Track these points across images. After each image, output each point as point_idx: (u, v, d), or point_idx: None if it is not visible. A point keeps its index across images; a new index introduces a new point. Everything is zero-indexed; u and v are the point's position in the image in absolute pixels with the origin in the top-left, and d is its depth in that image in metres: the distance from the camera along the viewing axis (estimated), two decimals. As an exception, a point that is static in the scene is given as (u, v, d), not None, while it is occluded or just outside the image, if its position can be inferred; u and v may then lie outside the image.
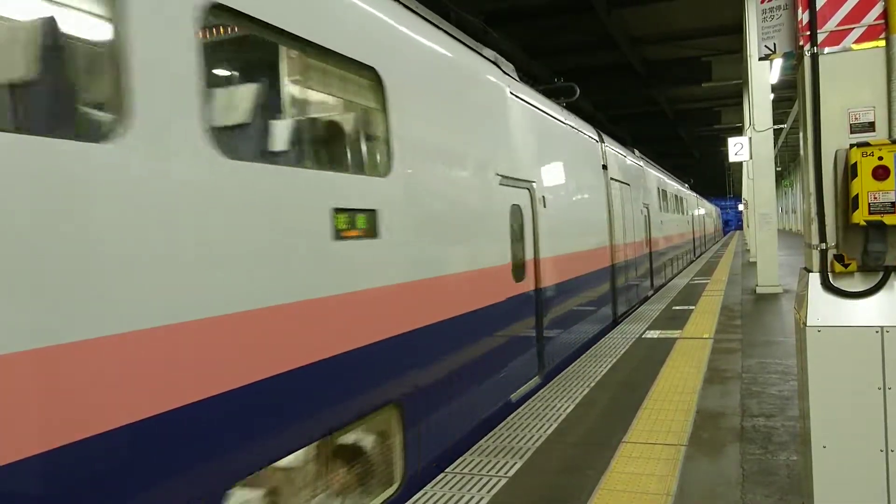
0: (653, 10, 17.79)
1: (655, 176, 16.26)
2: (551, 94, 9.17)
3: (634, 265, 11.94)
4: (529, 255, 6.24)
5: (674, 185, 21.13)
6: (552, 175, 7.25)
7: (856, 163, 2.75)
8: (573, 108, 9.97)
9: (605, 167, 10.00)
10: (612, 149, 10.99)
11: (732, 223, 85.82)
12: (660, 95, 27.61)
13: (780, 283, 13.46)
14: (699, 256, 27.32)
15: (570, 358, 7.53)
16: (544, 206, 6.66)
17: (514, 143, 6.07)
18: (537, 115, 7.04)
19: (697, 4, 17.69)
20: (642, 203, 13.21)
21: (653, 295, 13.77)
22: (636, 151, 14.50)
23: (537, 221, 6.41)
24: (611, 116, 31.43)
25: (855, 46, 2.88)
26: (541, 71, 20.35)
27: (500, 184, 5.52)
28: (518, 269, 5.90)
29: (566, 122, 8.29)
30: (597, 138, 9.94)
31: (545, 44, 19.42)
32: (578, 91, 9.89)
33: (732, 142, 16.32)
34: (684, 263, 22.07)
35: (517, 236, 5.94)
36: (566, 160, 7.96)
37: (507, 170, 5.73)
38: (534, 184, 6.44)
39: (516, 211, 5.93)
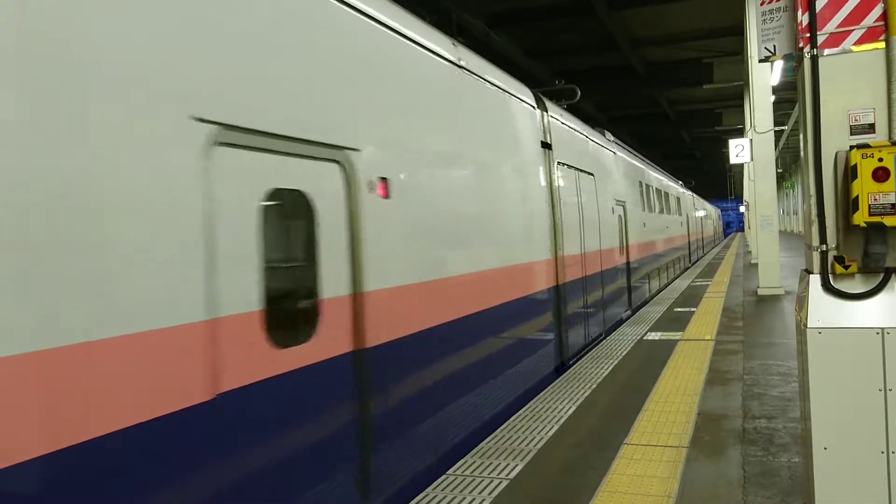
0: (653, 11, 17.82)
1: (636, 166, 13.27)
2: (553, 95, 9.10)
3: (601, 282, 9.10)
4: (338, 288, 3.48)
5: (663, 180, 18.26)
6: (415, 141, 4.51)
7: (856, 164, 2.75)
8: (574, 110, 9.86)
9: (547, 146, 7.26)
10: (563, 123, 8.10)
11: (734, 224, 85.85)
12: (661, 97, 27.66)
13: (782, 284, 13.46)
14: (695, 262, 25.45)
15: (447, 458, 4.49)
16: (387, 197, 3.95)
17: (286, 69, 3.26)
18: (370, 30, 4.07)
19: (698, 6, 17.71)
20: (614, 199, 10.47)
21: (630, 317, 11.02)
22: (608, 134, 11.67)
23: (360, 223, 3.66)
24: (612, 118, 31.51)
25: (855, 48, 2.89)
26: (542, 72, 20.40)
27: (221, 143, 2.75)
28: (290, 322, 3.24)
29: (459, 63, 5.28)
30: (533, 104, 7.13)
31: (546, 45, 19.47)
32: (580, 93, 9.88)
33: (733, 144, 16.32)
34: (677, 272, 19.23)
35: (292, 256, 3.42)
36: (453, 123, 5.18)
37: (254, 119, 2.96)
38: (354, 153, 3.65)
39: (295, 204, 3.31)
